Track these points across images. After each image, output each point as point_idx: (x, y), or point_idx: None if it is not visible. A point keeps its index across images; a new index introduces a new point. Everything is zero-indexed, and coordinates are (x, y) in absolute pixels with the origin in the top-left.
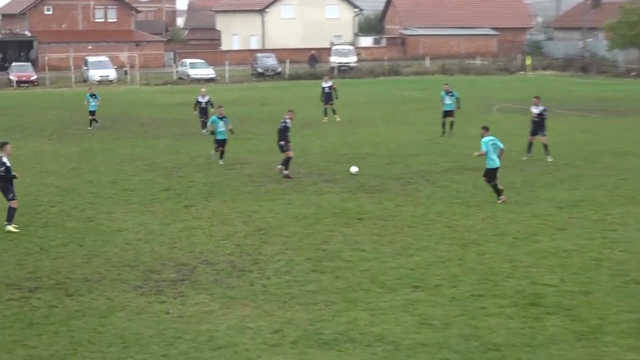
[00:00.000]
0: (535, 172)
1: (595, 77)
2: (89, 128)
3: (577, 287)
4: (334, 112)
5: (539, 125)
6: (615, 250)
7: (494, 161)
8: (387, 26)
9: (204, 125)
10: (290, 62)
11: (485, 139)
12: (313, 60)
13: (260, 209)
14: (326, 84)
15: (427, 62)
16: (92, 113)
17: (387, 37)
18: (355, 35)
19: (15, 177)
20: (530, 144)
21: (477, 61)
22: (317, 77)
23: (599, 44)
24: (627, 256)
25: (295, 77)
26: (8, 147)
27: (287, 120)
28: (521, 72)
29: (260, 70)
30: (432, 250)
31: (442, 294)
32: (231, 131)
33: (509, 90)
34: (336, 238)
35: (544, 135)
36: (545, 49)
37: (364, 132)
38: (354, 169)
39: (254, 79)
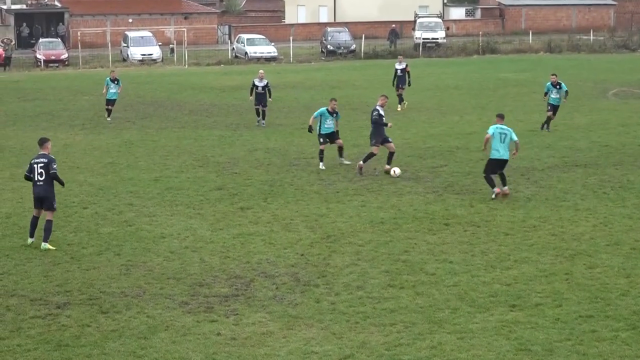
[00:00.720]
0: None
1: None
2: (108, 119)
3: None
4: (401, 98)
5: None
6: None
7: (498, 152)
8: None
9: (261, 114)
10: (367, 37)
11: (494, 126)
12: (394, 35)
13: (328, 213)
14: (400, 66)
15: (530, 38)
16: (111, 102)
17: (483, 8)
18: (445, 5)
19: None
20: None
21: (591, 37)
22: (398, 55)
23: None
24: None
25: (372, 55)
26: (49, 144)
27: (378, 108)
28: None
29: (331, 47)
30: (532, 263)
31: (544, 315)
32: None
33: (628, 72)
34: (418, 247)
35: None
36: None
37: (453, 122)
38: (397, 171)
39: (323, 58)
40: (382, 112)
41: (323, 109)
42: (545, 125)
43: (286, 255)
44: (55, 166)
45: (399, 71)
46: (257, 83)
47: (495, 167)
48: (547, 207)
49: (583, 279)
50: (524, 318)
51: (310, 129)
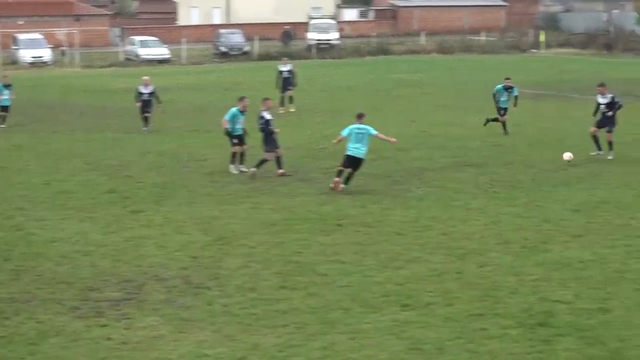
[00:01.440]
0: (547, 168)
1: (621, 56)
2: (3, 126)
3: (595, 304)
4: (291, 100)
5: (607, 118)
6: None
7: (355, 150)
8: None
9: (146, 121)
10: (260, 39)
11: (351, 126)
12: (287, 36)
13: (221, 215)
14: (284, 68)
15: (423, 39)
16: (5, 109)
17: (376, 9)
18: (338, 7)
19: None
20: (596, 138)
21: (482, 37)
22: (292, 56)
23: (627, 16)
24: None
25: (265, 57)
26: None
27: (264, 114)
28: (534, 50)
29: (223, 49)
30: (424, 262)
31: (435, 314)
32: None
33: (519, 72)
34: (311, 248)
35: (610, 132)
36: (562, 22)
37: (346, 123)
38: (567, 156)
39: (216, 59)
40: (268, 117)
41: (234, 109)
42: (486, 121)
43: (178, 258)
44: None
45: (284, 73)
46: (142, 90)
47: (348, 163)
48: (439, 207)
49: (473, 277)
50: (416, 317)
51: (227, 132)
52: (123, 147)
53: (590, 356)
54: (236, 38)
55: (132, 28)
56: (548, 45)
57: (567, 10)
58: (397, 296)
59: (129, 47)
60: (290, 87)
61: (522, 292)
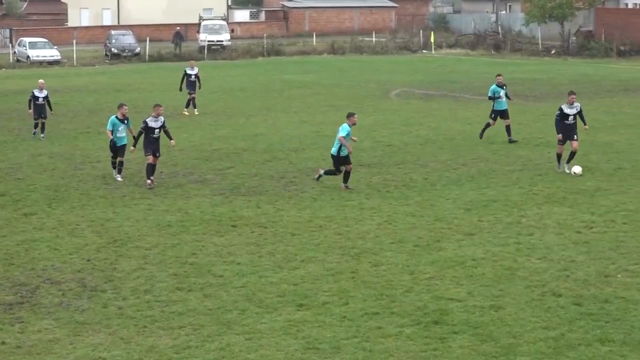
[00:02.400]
0: (438, 167)
1: (509, 56)
2: None
3: (487, 302)
4: (193, 103)
5: (572, 127)
6: (531, 257)
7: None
8: None
9: (41, 127)
10: (151, 40)
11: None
12: (178, 38)
13: (115, 217)
14: (192, 71)
15: (314, 40)
16: None
17: (267, 10)
18: (229, 8)
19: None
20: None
21: (373, 38)
22: (183, 58)
23: (514, 17)
24: (545, 264)
25: (157, 58)
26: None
27: (148, 120)
28: (424, 51)
29: (115, 50)
30: (319, 262)
31: (331, 313)
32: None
33: (409, 73)
34: (206, 249)
35: (576, 140)
36: (451, 23)
37: (239, 124)
38: (576, 170)
39: (107, 61)
40: (152, 125)
41: (112, 117)
42: (482, 132)
43: (72, 261)
44: None
45: (192, 76)
46: (37, 94)
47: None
48: (333, 207)
49: (368, 276)
50: (312, 317)
51: (112, 142)
52: (14, 149)
53: (484, 352)
54: (127, 39)
55: (22, 29)
56: (438, 46)
57: (457, 12)
58: (292, 296)
59: (18, 49)
60: (194, 91)
61: (417, 290)
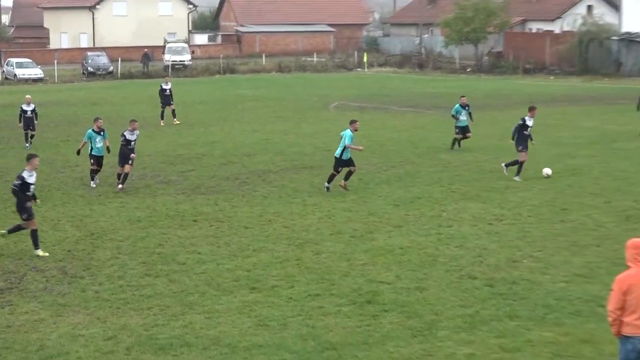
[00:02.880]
0: (371, 169)
1: (431, 74)
2: None
3: (413, 284)
4: (174, 114)
5: (527, 138)
6: (450, 246)
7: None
8: (222, 23)
9: (30, 138)
10: (122, 60)
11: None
12: (146, 58)
13: (92, 213)
14: (166, 86)
15: (264, 60)
16: None
17: (223, 34)
18: (190, 32)
19: (35, 198)
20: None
21: (314, 58)
22: (150, 76)
23: (435, 40)
24: (462, 252)
25: (127, 76)
26: (36, 160)
27: (126, 133)
28: (358, 69)
29: (91, 69)
30: (269, 251)
31: (279, 295)
32: (107, 149)
33: (346, 88)
34: (171, 241)
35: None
36: (382, 45)
37: (199, 133)
38: (547, 171)
39: (84, 78)
40: (130, 137)
41: (89, 130)
42: (457, 144)
43: (54, 252)
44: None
45: (167, 91)
46: (25, 108)
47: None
48: (281, 204)
49: (311, 263)
50: (262, 298)
51: (78, 152)
52: (3, 155)
53: (410, 327)
54: (102, 60)
55: (10, 51)
56: (370, 65)
57: (386, 35)
58: (246, 280)
59: (6, 68)
60: (172, 103)
61: (353, 275)
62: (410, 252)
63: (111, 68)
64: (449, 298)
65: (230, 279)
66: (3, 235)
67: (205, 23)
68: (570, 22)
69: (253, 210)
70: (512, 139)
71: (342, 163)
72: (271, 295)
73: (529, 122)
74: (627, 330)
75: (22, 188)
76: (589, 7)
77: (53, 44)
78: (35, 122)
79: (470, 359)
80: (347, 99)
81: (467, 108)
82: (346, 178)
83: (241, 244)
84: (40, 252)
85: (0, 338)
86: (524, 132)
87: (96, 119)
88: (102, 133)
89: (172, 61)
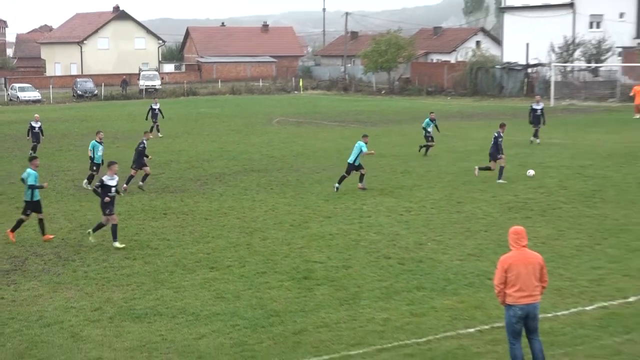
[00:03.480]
0: (306, 172)
1: (353, 95)
2: None
3: (340, 263)
4: (158, 129)
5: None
6: (369, 232)
7: (350, 158)
8: (186, 55)
9: (34, 149)
10: (105, 85)
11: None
12: (124, 83)
13: (81, 208)
14: (155, 106)
15: (219, 85)
16: None
17: (186, 64)
18: (160, 62)
19: (118, 192)
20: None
21: (260, 83)
22: (128, 97)
23: (357, 68)
24: (379, 237)
25: (109, 97)
26: (115, 167)
27: (145, 141)
28: (296, 92)
29: (79, 92)
30: (224, 238)
31: (233, 273)
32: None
33: (285, 107)
34: (145, 230)
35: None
36: (314, 72)
37: (167, 143)
38: (530, 173)
39: (74, 100)
40: (108, 182)
41: (93, 141)
42: (425, 150)
43: (51, 240)
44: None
45: (156, 110)
46: (33, 124)
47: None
48: (234, 200)
49: (259, 247)
50: (220, 276)
51: (90, 159)
52: (9, 162)
53: (338, 297)
54: (88, 85)
55: (13, 78)
56: (305, 88)
57: (317, 65)
58: (206, 262)
59: (11, 92)
60: (156, 120)
61: (292, 256)
62: (338, 237)
63: (96, 91)
64: (369, 274)
65: (194, 261)
66: (89, 234)
67: (172, 55)
68: (463, 54)
69: (212, 205)
70: (501, 151)
71: (354, 167)
72: (227, 273)
73: (497, 135)
74: (509, 300)
75: (103, 189)
76: (478, 42)
77: (49, 72)
78: (42, 136)
79: (386, 322)
80: (286, 115)
81: (434, 122)
82: (360, 180)
83: (202, 232)
84: (118, 244)
85: (7, 310)
86: (499, 142)
87: (98, 132)
88: (102, 143)
89: (146, 86)
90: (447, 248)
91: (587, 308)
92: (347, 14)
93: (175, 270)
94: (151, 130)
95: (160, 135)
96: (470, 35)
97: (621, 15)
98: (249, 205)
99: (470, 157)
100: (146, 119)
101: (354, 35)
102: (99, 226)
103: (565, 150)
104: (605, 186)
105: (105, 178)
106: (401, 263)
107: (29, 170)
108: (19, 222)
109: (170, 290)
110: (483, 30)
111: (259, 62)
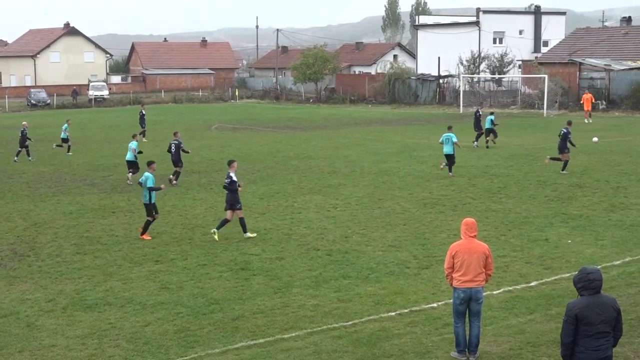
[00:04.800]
0: (242, 173)
1: (284, 103)
2: None
3: (274, 255)
4: (144, 134)
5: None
6: (300, 227)
7: (447, 149)
8: (132, 67)
9: (27, 152)
10: (57, 95)
11: (443, 135)
12: (75, 93)
13: (35, 208)
14: (144, 112)
15: (163, 94)
16: None
17: (132, 76)
18: (107, 74)
19: (239, 186)
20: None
21: (200, 93)
22: (78, 106)
23: (287, 79)
24: (309, 231)
25: (61, 106)
26: (235, 164)
27: (175, 142)
28: (232, 101)
29: (33, 102)
30: (168, 233)
31: (176, 265)
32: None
33: (223, 114)
34: (96, 227)
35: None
36: (248, 83)
37: (115, 147)
38: (595, 139)
39: (29, 108)
40: (180, 143)
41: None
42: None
43: (7, 237)
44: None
45: (145, 116)
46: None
47: (446, 158)
48: (177, 199)
49: (200, 242)
50: (164, 268)
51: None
52: None
53: (272, 286)
54: (41, 95)
55: None
56: (240, 98)
57: (252, 76)
58: (152, 255)
59: None
60: (144, 126)
61: (230, 249)
62: (272, 232)
63: (49, 101)
64: (300, 264)
65: (140, 255)
66: (214, 233)
67: (119, 67)
68: (382, 66)
69: (156, 203)
70: (560, 145)
71: None
72: (170, 266)
73: (570, 131)
74: (455, 284)
75: (232, 184)
76: (395, 56)
77: (4, 83)
78: (30, 140)
79: (316, 308)
80: (224, 122)
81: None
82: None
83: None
84: (249, 234)
85: None
86: (568, 137)
87: (134, 135)
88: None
89: (95, 95)
90: (370, 240)
91: (495, 292)
92: (278, 30)
93: (123, 264)
94: (144, 135)
95: (145, 140)
96: (388, 49)
97: (521, 32)
98: (190, 204)
99: (389, 159)
100: (139, 123)
101: (285, 49)
102: (224, 222)
103: (473, 151)
104: (508, 183)
105: (232, 174)
106: (329, 254)
107: (146, 173)
108: (147, 224)
109: (119, 282)
110: (399, 45)
111: (198, 73)
